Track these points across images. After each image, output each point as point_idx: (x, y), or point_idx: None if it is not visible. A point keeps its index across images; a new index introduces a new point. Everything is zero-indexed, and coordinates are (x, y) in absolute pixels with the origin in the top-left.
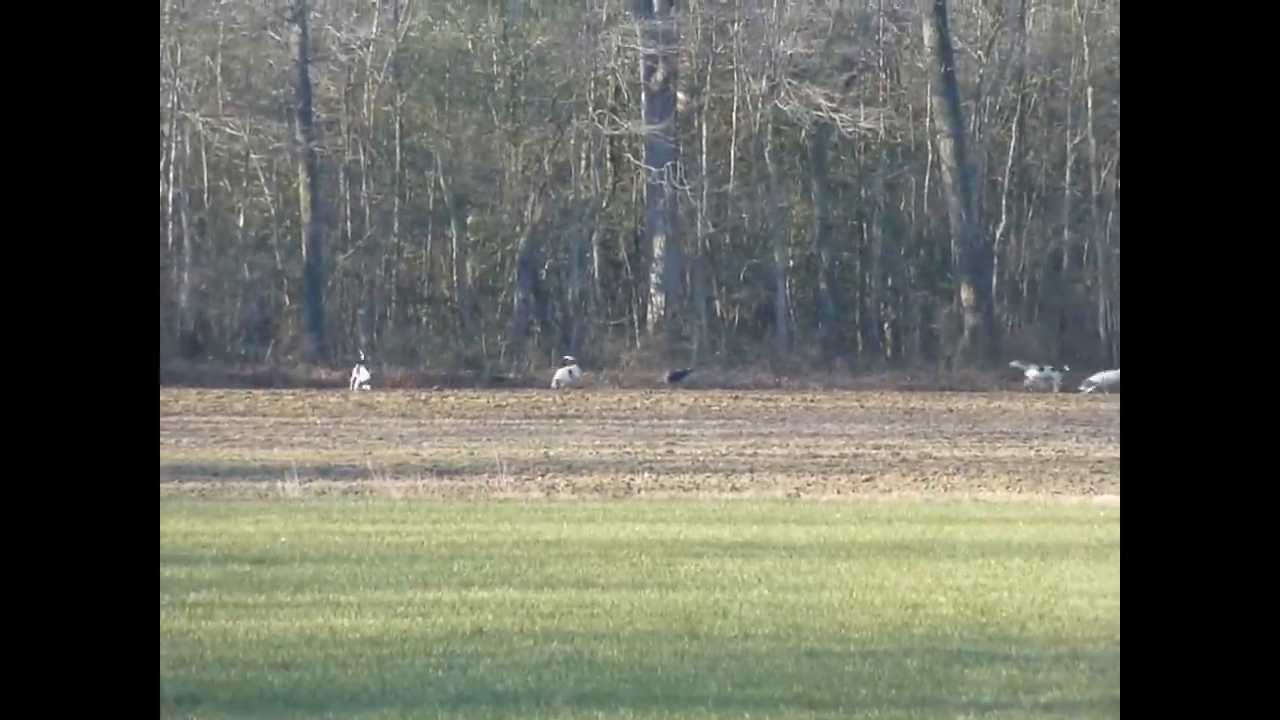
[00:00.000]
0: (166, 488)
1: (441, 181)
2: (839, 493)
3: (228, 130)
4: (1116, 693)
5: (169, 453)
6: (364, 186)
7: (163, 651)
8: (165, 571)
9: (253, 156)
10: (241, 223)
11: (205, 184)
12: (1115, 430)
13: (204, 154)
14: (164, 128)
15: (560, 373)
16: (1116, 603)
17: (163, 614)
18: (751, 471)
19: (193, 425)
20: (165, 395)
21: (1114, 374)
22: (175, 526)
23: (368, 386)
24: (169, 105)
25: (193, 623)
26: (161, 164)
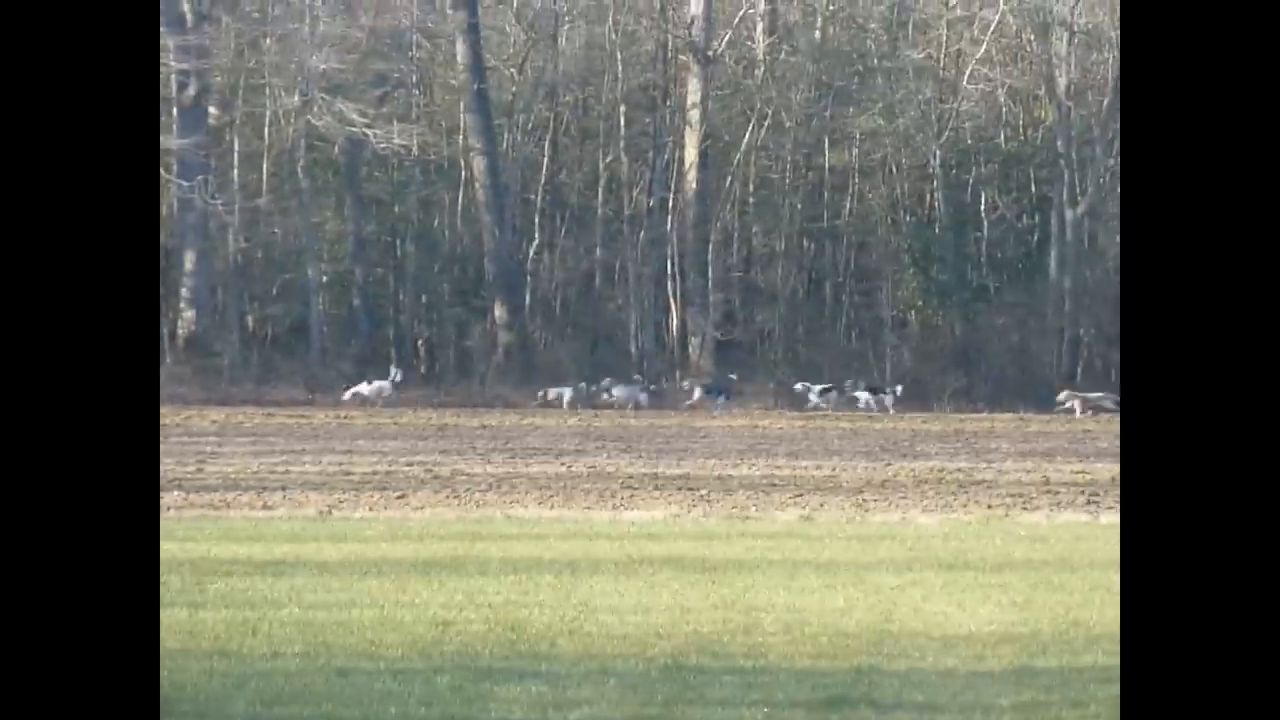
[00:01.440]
0: None
1: None
2: (371, 510)
3: None
4: (647, 710)
5: None
6: None
7: None
8: None
9: None
10: None
11: None
12: (615, 446)
13: None
14: None
15: None
16: (644, 619)
17: None
18: (284, 489)
19: None
20: None
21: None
22: None
23: None
24: None
25: None
26: None
